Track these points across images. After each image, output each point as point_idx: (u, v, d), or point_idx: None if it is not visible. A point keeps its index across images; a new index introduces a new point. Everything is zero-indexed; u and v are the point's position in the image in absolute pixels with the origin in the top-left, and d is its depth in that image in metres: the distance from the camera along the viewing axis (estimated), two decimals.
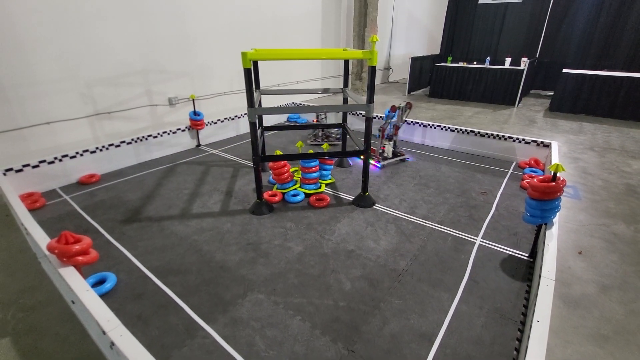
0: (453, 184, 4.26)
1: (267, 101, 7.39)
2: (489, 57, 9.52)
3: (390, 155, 4.95)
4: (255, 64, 4.03)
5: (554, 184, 2.44)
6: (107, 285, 2.47)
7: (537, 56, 10.03)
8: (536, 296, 1.94)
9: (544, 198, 2.49)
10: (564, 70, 8.03)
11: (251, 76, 3.07)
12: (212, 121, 5.97)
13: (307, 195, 3.90)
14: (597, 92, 7.60)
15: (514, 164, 4.99)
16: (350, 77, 10.13)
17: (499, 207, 3.69)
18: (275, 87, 8.05)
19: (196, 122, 5.57)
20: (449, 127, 5.57)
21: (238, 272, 2.66)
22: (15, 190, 3.37)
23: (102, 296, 2.34)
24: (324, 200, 3.71)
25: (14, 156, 4.13)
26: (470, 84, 9.28)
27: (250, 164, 4.86)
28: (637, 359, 1.99)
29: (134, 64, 5.16)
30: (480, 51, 10.92)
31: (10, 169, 3.81)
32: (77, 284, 1.90)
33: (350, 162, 4.98)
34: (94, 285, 2.48)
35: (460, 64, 9.45)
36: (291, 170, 4.12)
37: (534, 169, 4.56)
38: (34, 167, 3.97)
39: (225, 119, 6.23)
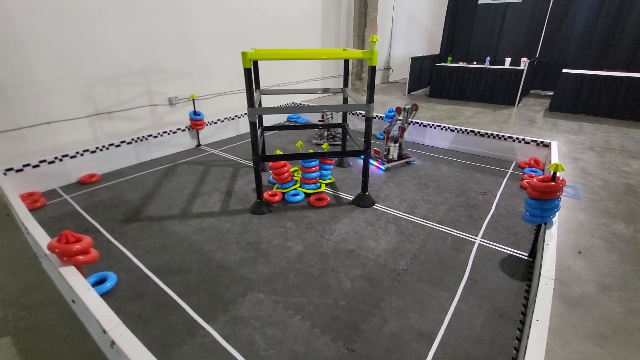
0: (453, 184, 4.27)
1: (267, 101, 7.39)
2: (488, 57, 9.53)
3: (395, 157, 4.87)
4: (255, 63, 4.04)
5: (553, 183, 2.44)
6: (108, 285, 2.47)
7: (537, 56, 10.04)
8: (536, 295, 1.94)
9: (543, 198, 2.49)
10: (564, 70, 8.03)
11: (251, 76, 3.07)
12: (212, 121, 5.98)
13: (307, 195, 3.91)
14: (597, 92, 7.61)
15: (514, 163, 5.00)
16: (350, 77, 10.14)
17: (499, 207, 3.69)
18: (275, 87, 8.05)
19: (196, 122, 5.57)
20: (448, 127, 5.58)
21: (238, 272, 2.67)
22: (16, 189, 3.38)
23: (103, 295, 2.34)
24: (324, 200, 3.72)
25: (15, 156, 4.14)
26: (470, 84, 9.28)
27: (250, 163, 4.86)
28: (636, 358, 1.99)
29: (134, 64, 5.16)
30: (480, 51, 10.92)
31: (11, 169, 3.81)
32: (77, 283, 1.91)
33: (350, 162, 4.98)
34: (95, 284, 2.49)
35: (460, 64, 9.46)
36: (291, 170, 4.12)
37: (533, 169, 4.57)
38: (34, 166, 3.98)
39: (225, 118, 6.24)
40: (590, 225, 3.35)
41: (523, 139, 4.97)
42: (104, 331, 1.61)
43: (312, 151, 4.73)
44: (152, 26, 5.24)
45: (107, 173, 4.63)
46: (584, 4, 9.05)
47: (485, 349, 2.01)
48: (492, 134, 5.21)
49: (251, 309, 2.30)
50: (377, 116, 6.31)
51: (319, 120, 6.69)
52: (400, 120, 4.82)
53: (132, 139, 4.91)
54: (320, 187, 4.07)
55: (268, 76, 7.41)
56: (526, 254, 2.87)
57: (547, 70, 10.03)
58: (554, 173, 2.44)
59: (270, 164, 4.10)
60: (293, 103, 7.94)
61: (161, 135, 5.27)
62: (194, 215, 3.53)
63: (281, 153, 3.61)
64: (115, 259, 2.83)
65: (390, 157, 4.87)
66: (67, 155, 4.25)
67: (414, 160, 5.02)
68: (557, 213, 2.60)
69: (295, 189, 4.01)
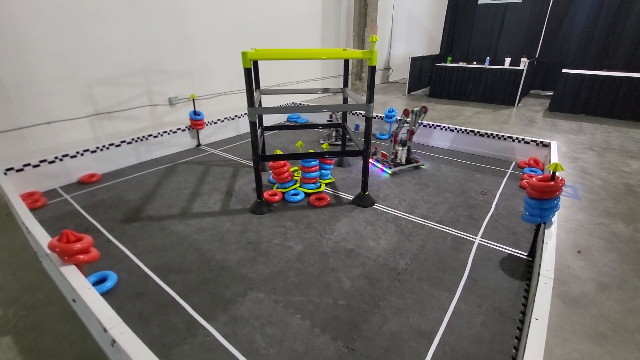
0: (452, 184, 4.27)
1: (267, 101, 7.40)
2: (488, 57, 9.54)
3: (403, 161, 4.69)
4: (255, 63, 4.04)
5: (552, 183, 2.45)
6: (108, 284, 2.48)
7: (536, 56, 10.05)
8: (535, 294, 1.95)
9: (543, 197, 2.50)
10: (564, 70, 8.04)
11: (251, 76, 3.08)
12: (212, 121, 5.98)
13: (307, 195, 3.91)
14: (596, 92, 7.62)
15: (514, 163, 5.00)
16: (350, 77, 10.14)
17: (499, 207, 3.70)
18: (275, 87, 8.06)
19: (196, 122, 5.58)
20: (448, 127, 5.58)
21: (238, 271, 2.67)
22: (16, 189, 3.38)
23: (103, 295, 2.33)
24: (323, 200, 3.72)
25: (15, 156, 4.14)
26: (470, 84, 9.29)
27: (250, 163, 4.87)
28: (635, 356, 2.00)
29: (134, 64, 5.17)
30: (480, 51, 10.93)
31: (11, 169, 3.82)
32: (78, 282, 1.91)
33: (350, 162, 4.98)
34: (95, 283, 2.49)
35: (460, 64, 9.47)
36: (291, 169, 4.13)
37: (533, 169, 4.57)
38: (34, 166, 3.98)
39: (225, 118, 6.24)
40: (589, 225, 3.36)
41: (523, 139, 4.98)
42: (105, 330, 1.62)
43: (312, 151, 4.73)
44: (152, 26, 5.25)
45: (108, 173, 4.64)
46: (583, 4, 9.06)
47: (485, 348, 2.02)
48: (491, 134, 5.22)
49: (251, 308, 2.30)
50: (376, 116, 6.32)
51: (327, 120, 6.62)
52: (408, 122, 4.66)
53: (132, 139, 4.92)
54: (320, 186, 4.08)
55: (268, 76, 7.42)
56: (526, 254, 2.88)
57: (547, 70, 10.04)
58: (553, 173, 2.44)
59: (270, 163, 4.11)
60: (293, 103, 7.95)
61: (161, 135, 5.28)
62: (194, 214, 3.53)
63: (281, 153, 3.62)
64: (116, 259, 2.84)
65: (398, 160, 4.71)
66: (67, 155, 4.25)
67: (422, 165, 4.85)
68: (556, 212, 2.61)
69: (295, 188, 4.02)
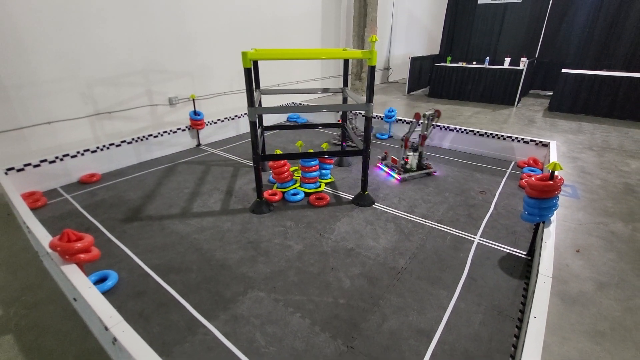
0: (452, 183, 4.28)
1: (267, 101, 7.41)
2: (488, 57, 9.55)
3: (414, 167, 4.46)
4: (255, 63, 4.05)
5: (551, 182, 2.46)
6: (109, 283, 2.49)
7: (536, 56, 10.06)
8: (533, 293, 1.96)
9: (542, 196, 2.51)
10: (563, 70, 8.05)
11: (251, 76, 3.09)
12: (212, 121, 5.99)
13: (307, 194, 3.92)
14: (596, 92, 7.63)
15: (513, 163, 5.01)
16: (350, 77, 10.14)
17: (498, 206, 3.71)
18: (275, 87, 8.07)
19: (196, 122, 5.59)
20: (448, 127, 5.59)
21: (238, 270, 2.68)
22: (17, 189, 3.38)
23: (104, 294, 2.35)
24: (323, 199, 3.73)
25: (16, 155, 4.15)
26: (470, 84, 9.30)
27: (250, 163, 4.88)
28: (633, 354, 2.01)
29: (135, 64, 5.18)
30: (479, 51, 10.94)
31: (12, 168, 3.83)
32: (79, 281, 1.92)
33: (349, 162, 4.99)
34: (96, 283, 2.50)
35: (460, 64, 9.48)
36: (291, 169, 4.14)
37: (532, 169, 4.58)
38: (35, 166, 3.99)
39: (226, 118, 6.25)
40: (588, 224, 3.37)
41: (522, 139, 4.99)
42: (106, 328, 1.63)
43: (311, 150, 4.74)
44: (152, 26, 5.26)
45: (108, 172, 4.65)
46: (583, 4, 9.07)
47: (484, 346, 2.03)
48: (491, 134, 5.23)
49: (251, 307, 2.31)
50: (376, 116, 6.33)
51: (338, 121, 6.53)
52: (420, 126, 4.40)
53: (133, 139, 4.93)
54: (320, 186, 4.09)
55: (268, 76, 7.43)
56: (525, 253, 2.89)
57: (547, 70, 10.05)
58: (552, 172, 2.45)
59: (270, 163, 4.12)
60: (293, 103, 7.96)
61: (161, 135, 5.29)
62: (195, 214, 3.54)
63: (281, 152, 3.63)
64: (116, 258, 2.85)
65: (409, 166, 4.46)
66: (67, 155, 4.26)
67: (435, 172, 4.57)
68: (555, 212, 2.62)
69: (295, 188, 4.03)
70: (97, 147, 4.55)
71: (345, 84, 4.58)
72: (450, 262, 2.80)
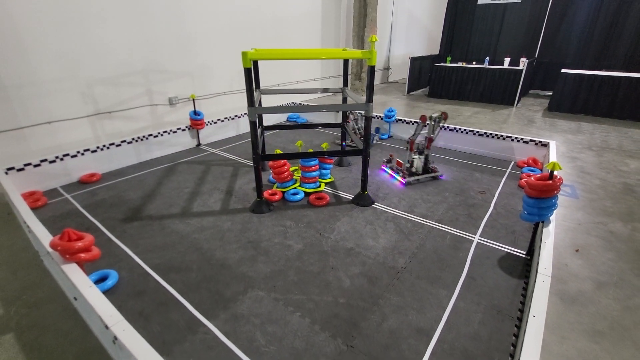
0: (451, 183, 4.29)
1: (267, 101, 7.42)
2: (488, 57, 9.56)
3: (420, 171, 4.34)
4: (256, 63, 4.06)
5: (550, 182, 2.47)
6: (109, 283, 2.49)
7: (536, 56, 10.07)
8: (533, 292, 1.96)
9: (541, 196, 2.52)
10: (563, 70, 8.07)
11: (251, 76, 3.09)
12: (212, 121, 6.00)
13: (307, 194, 3.93)
14: (595, 92, 7.64)
15: (512, 163, 5.02)
16: (349, 77, 10.16)
17: (497, 206, 3.71)
18: (275, 87, 8.08)
19: (196, 122, 5.59)
20: (447, 127, 5.60)
21: (238, 270, 2.69)
22: (17, 188, 3.39)
23: (104, 293, 2.35)
24: (323, 199, 3.74)
25: (16, 155, 4.16)
26: (470, 84, 9.31)
27: (250, 163, 4.88)
28: (631, 354, 2.02)
29: (135, 64, 5.18)
30: (479, 51, 10.95)
31: (12, 168, 3.83)
32: (80, 281, 1.93)
33: (349, 161, 4.99)
34: (96, 282, 2.50)
35: (460, 64, 9.49)
36: (291, 169, 4.14)
37: (532, 168, 4.59)
38: (35, 166, 4.00)
39: (226, 118, 6.26)
40: (587, 224, 3.38)
41: (522, 139, 5.00)
42: (107, 327, 1.63)
43: (311, 150, 4.74)
44: (152, 26, 5.26)
45: (108, 172, 4.65)
46: (583, 4, 9.08)
47: (483, 345, 2.03)
48: (490, 134, 5.24)
49: (251, 306, 2.32)
50: (376, 116, 6.34)
51: (347, 121, 6.48)
52: (427, 127, 4.28)
53: (133, 139, 4.93)
54: (319, 186, 4.10)
55: (268, 76, 7.44)
56: (524, 252, 2.90)
57: (546, 70, 10.06)
58: (551, 172, 2.46)
59: (270, 163, 4.13)
60: (293, 103, 7.96)
61: (161, 135, 5.30)
62: (195, 214, 3.55)
63: (281, 152, 3.64)
64: (117, 257, 2.85)
65: (414, 170, 4.33)
66: (68, 155, 4.27)
67: (441, 176, 4.45)
68: (554, 211, 2.62)
69: (295, 188, 4.03)
70: (97, 147, 4.56)
71: (345, 84, 4.59)
72: (449, 261, 2.80)
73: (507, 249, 2.97)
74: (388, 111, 6.09)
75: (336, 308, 2.31)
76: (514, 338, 2.07)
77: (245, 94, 3.17)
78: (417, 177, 4.29)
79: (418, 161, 4.33)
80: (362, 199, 3.74)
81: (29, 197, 3.74)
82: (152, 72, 5.43)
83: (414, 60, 10.00)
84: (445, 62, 9.85)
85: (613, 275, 2.66)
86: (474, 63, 9.65)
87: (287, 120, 7.49)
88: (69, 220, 3.45)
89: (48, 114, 4.41)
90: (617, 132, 6.48)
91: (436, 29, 12.94)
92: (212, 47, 6.28)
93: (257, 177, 3.50)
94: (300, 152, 3.74)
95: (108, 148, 4.66)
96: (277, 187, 4.06)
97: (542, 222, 2.65)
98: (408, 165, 4.34)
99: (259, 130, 3.92)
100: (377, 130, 6.29)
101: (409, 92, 10.39)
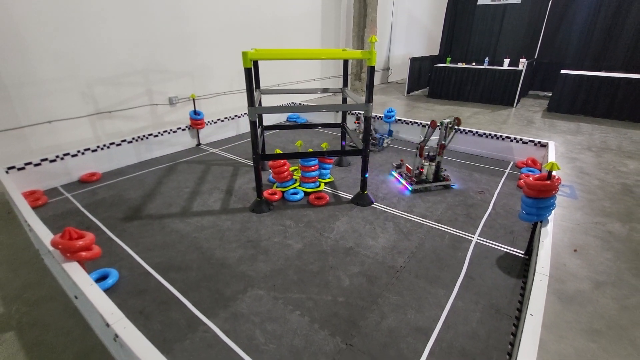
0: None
1: (267, 101, 7.43)
2: (487, 58, 9.58)
3: (430, 178, 4.11)
4: (256, 63, 4.07)
5: (549, 182, 2.48)
6: (110, 281, 2.50)
7: (535, 57, 10.09)
8: (530, 291, 1.98)
9: (539, 196, 2.53)
10: (562, 71, 8.08)
11: (251, 76, 3.11)
12: (212, 120, 6.01)
13: (307, 194, 3.94)
14: (595, 92, 7.66)
15: (512, 163, 5.04)
16: (349, 77, 10.18)
17: (496, 206, 3.73)
18: (275, 87, 8.09)
19: (196, 122, 5.60)
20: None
21: (238, 269, 2.70)
22: (18, 188, 3.40)
23: (105, 292, 2.36)
24: (323, 199, 3.75)
25: (16, 154, 4.17)
26: (469, 85, 9.33)
27: (250, 163, 4.89)
28: (628, 352, 2.03)
29: (135, 64, 5.20)
30: (479, 52, 10.97)
31: (13, 167, 3.84)
32: (81, 279, 1.94)
33: (348, 161, 5.00)
34: (97, 281, 2.51)
35: (459, 65, 9.51)
36: (291, 169, 4.16)
37: (531, 169, 4.61)
38: (35, 165, 4.01)
39: (226, 118, 6.27)
40: (586, 224, 3.39)
41: (521, 139, 5.01)
42: (107, 325, 1.65)
43: (311, 150, 4.75)
44: (152, 26, 5.28)
45: (108, 172, 4.66)
46: (583, 4, 9.10)
47: (481, 344, 2.05)
48: (490, 134, 5.25)
49: (251, 305, 2.33)
50: (376, 116, 6.35)
51: (355, 122, 6.47)
52: (438, 128, 3.99)
53: (133, 138, 4.94)
54: (319, 186, 4.11)
55: (268, 76, 7.45)
56: (522, 252, 2.91)
57: (546, 70, 10.08)
58: (550, 172, 2.47)
59: (270, 163, 4.14)
60: (293, 103, 7.98)
61: (161, 135, 5.31)
62: (195, 213, 3.56)
63: (281, 152, 3.65)
64: (117, 256, 2.86)
65: (424, 177, 4.11)
66: (68, 154, 4.28)
67: (453, 185, 4.21)
68: (552, 211, 2.64)
69: (294, 187, 4.05)
70: (98, 146, 4.57)
71: (345, 84, 4.60)
72: (448, 261, 2.82)
73: (505, 248, 2.98)
74: (388, 111, 6.10)
75: (335, 307, 2.32)
76: (512, 337, 2.08)
77: (245, 94, 3.18)
78: (426, 185, 4.07)
79: (428, 168, 4.09)
80: (362, 199, 3.75)
81: (30, 196, 3.75)
82: (152, 72, 5.44)
83: (413, 60, 10.02)
84: (445, 63, 9.87)
85: (611, 275, 2.68)
86: (474, 64, 9.67)
87: (287, 120, 7.50)
88: (69, 219, 3.46)
89: (48, 113, 4.42)
90: (616, 133, 6.50)
91: (436, 29, 12.96)
92: (212, 47, 6.29)
93: (257, 176, 3.51)
94: (300, 152, 3.76)
95: (108, 147, 4.67)
96: (276, 187, 4.07)
97: (541, 222, 2.67)
98: (417, 171, 4.10)
99: (259, 130, 3.93)
100: (390, 133, 6.07)
101: (408, 92, 10.41)
